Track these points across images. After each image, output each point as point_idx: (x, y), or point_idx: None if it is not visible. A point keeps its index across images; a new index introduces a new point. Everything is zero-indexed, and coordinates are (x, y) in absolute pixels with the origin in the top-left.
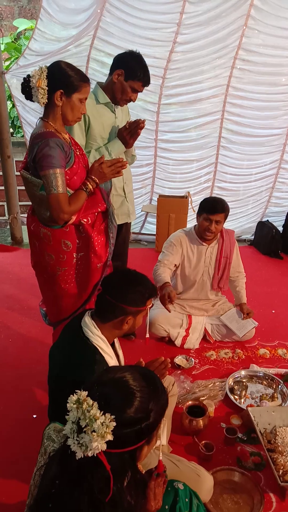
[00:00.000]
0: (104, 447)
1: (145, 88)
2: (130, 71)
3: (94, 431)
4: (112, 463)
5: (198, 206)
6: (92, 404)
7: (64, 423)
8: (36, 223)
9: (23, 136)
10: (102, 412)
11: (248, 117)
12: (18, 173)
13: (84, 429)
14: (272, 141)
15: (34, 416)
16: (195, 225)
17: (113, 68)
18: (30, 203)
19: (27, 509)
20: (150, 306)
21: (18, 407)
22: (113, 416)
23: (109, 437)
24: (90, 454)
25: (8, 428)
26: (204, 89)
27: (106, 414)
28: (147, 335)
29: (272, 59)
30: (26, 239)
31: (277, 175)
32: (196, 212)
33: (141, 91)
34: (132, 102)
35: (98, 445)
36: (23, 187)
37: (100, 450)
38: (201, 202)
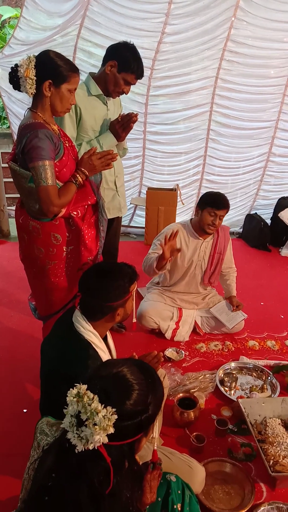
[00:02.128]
0: (106, 440)
1: None
2: (124, 63)
3: (95, 424)
4: (112, 456)
5: (199, 199)
6: (93, 398)
7: (57, 418)
8: (25, 216)
9: (9, 127)
10: (103, 405)
11: (237, 110)
12: (5, 165)
13: (86, 423)
14: (261, 134)
15: (25, 410)
16: (191, 219)
17: (106, 59)
18: (17, 195)
19: (21, 503)
20: (134, 289)
21: (8, 401)
22: (114, 409)
23: (111, 430)
24: (91, 447)
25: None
26: (193, 81)
27: (108, 407)
28: (134, 320)
29: (261, 51)
30: (13, 232)
31: (265, 168)
32: (197, 205)
33: (134, 84)
34: (124, 94)
35: (100, 438)
36: (10, 179)
37: (101, 443)
38: (204, 196)
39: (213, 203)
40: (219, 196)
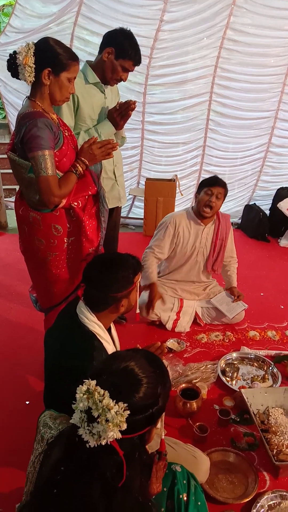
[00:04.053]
0: (119, 435)
1: None
2: (121, 49)
3: (107, 420)
4: (124, 449)
5: (198, 186)
6: (103, 394)
7: (61, 410)
8: (24, 207)
9: (4, 117)
10: (114, 401)
11: (237, 99)
12: (1, 156)
13: (98, 419)
14: (261, 124)
15: (27, 402)
16: (192, 206)
17: (103, 46)
18: (14, 186)
19: (27, 496)
20: (138, 280)
21: (10, 394)
22: (125, 405)
23: (124, 426)
24: (103, 442)
25: (1, 415)
26: (192, 70)
27: (119, 403)
28: (138, 311)
29: (260, 40)
30: (11, 223)
31: (264, 159)
32: (195, 191)
33: (132, 71)
34: (122, 81)
35: (113, 434)
36: (7, 170)
37: (114, 438)
38: (201, 181)
39: (207, 182)
40: (215, 176)
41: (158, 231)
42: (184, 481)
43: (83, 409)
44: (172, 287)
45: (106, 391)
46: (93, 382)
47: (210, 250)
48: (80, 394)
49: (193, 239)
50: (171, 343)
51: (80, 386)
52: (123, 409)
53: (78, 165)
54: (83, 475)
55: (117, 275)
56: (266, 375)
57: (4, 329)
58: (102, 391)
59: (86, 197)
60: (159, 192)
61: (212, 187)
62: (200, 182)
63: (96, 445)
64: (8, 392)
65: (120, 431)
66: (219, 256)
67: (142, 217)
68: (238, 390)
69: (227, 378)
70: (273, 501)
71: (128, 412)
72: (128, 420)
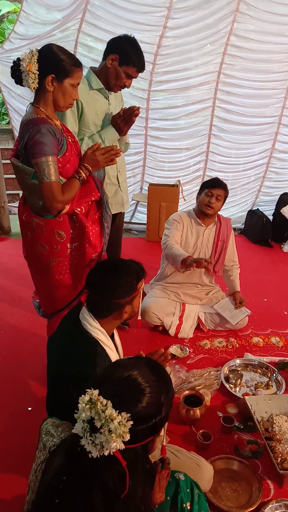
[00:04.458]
0: (122, 446)
1: None
2: (125, 56)
3: (110, 431)
4: (127, 459)
5: (200, 187)
6: (106, 404)
7: (63, 418)
8: (28, 213)
9: (8, 122)
10: (117, 411)
11: (240, 105)
12: (5, 161)
13: (100, 430)
14: (264, 130)
15: (29, 408)
16: (193, 208)
17: (107, 52)
18: (17, 191)
19: (28, 505)
20: (141, 286)
21: (13, 399)
22: (128, 415)
23: (127, 436)
24: (106, 453)
25: (3, 420)
26: (195, 76)
27: (122, 413)
28: (139, 317)
29: (264, 46)
30: (14, 229)
31: (268, 164)
32: (197, 193)
33: (136, 77)
34: (126, 88)
35: (116, 445)
36: (10, 176)
37: (117, 449)
38: (203, 183)
39: (208, 183)
40: (215, 178)
41: (169, 225)
42: (188, 490)
43: (85, 419)
44: (174, 291)
45: (109, 401)
46: (96, 392)
47: (212, 251)
48: (83, 404)
49: (195, 239)
50: (174, 349)
51: (82, 396)
52: (126, 420)
53: (81, 171)
54: (85, 485)
55: (120, 281)
56: (270, 382)
57: (7, 334)
58: (104, 401)
59: (89, 203)
60: (162, 197)
61: (212, 189)
62: (201, 183)
63: (98, 456)
64: (10, 398)
65: (123, 441)
66: (220, 258)
67: (145, 222)
68: (241, 397)
69: (231, 385)
70: (278, 511)
71: (131, 422)
72: (131, 430)
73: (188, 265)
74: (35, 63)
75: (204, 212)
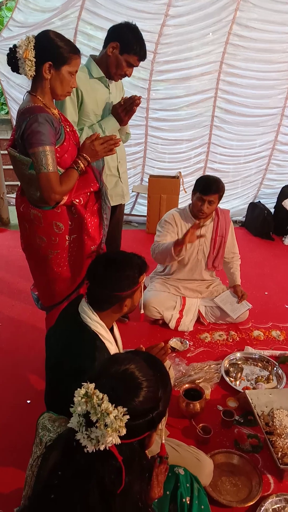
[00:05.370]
0: (118, 441)
1: None
2: (126, 44)
3: (106, 425)
4: (123, 454)
5: (194, 183)
6: (102, 397)
7: (61, 412)
8: (25, 204)
9: (7, 113)
10: (113, 405)
11: (242, 96)
12: (4, 152)
13: (96, 424)
14: (267, 121)
15: (28, 401)
16: (189, 204)
17: (107, 40)
18: (16, 182)
19: (25, 500)
20: (143, 280)
21: (12, 392)
22: (125, 409)
23: (124, 431)
24: (102, 448)
25: (2, 414)
26: (197, 66)
27: (118, 407)
28: (142, 311)
29: (267, 35)
30: (13, 220)
31: (270, 157)
32: (192, 189)
33: (137, 66)
34: (127, 77)
35: (112, 440)
36: (9, 166)
37: (112, 444)
38: (197, 180)
39: (200, 187)
40: (208, 180)
41: (160, 228)
42: (187, 484)
43: (81, 413)
44: (174, 285)
45: (105, 395)
46: (92, 385)
47: (210, 247)
48: (78, 397)
49: None
50: (174, 342)
51: (78, 389)
52: (122, 414)
53: (79, 161)
54: (81, 480)
55: (122, 274)
56: (271, 376)
57: (6, 326)
58: (101, 395)
59: (88, 194)
60: (162, 189)
61: (204, 195)
62: (196, 179)
63: (94, 450)
64: (9, 390)
65: (119, 436)
66: (219, 253)
67: (145, 214)
68: (242, 391)
69: (231, 379)
70: (278, 505)
71: (128, 417)
72: (128, 425)
73: (181, 243)
74: (32, 50)
75: (199, 216)
